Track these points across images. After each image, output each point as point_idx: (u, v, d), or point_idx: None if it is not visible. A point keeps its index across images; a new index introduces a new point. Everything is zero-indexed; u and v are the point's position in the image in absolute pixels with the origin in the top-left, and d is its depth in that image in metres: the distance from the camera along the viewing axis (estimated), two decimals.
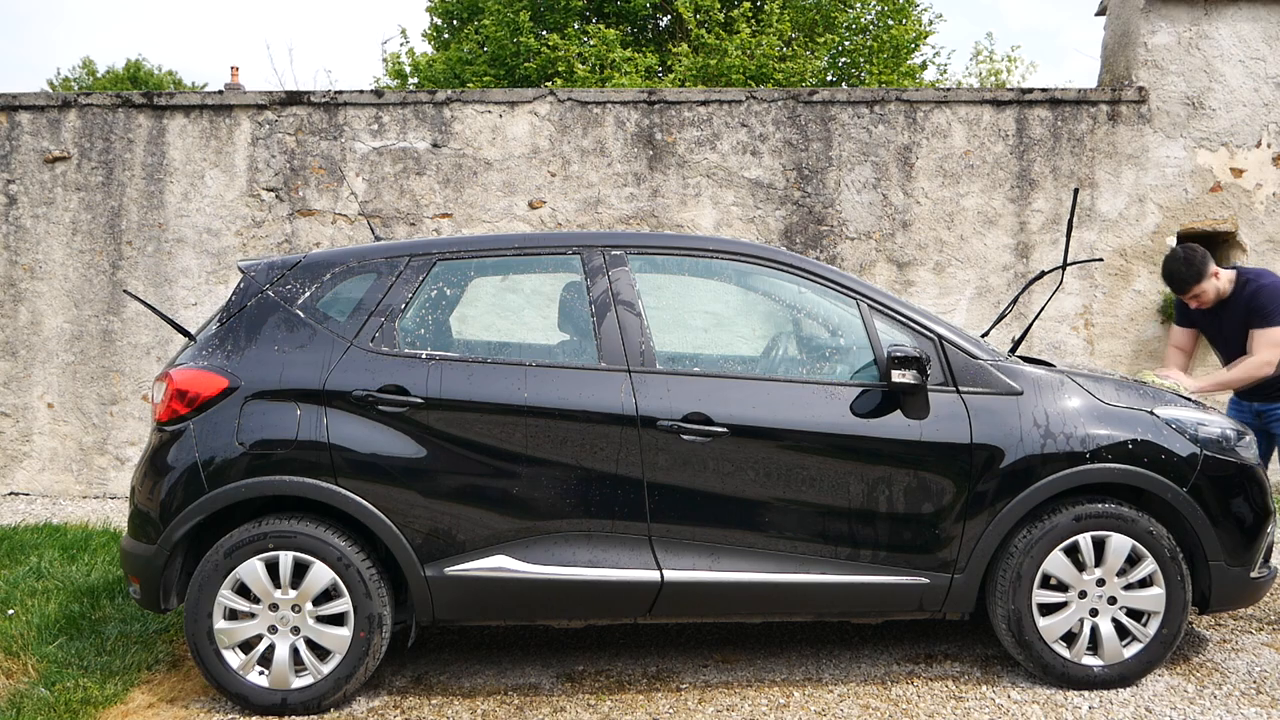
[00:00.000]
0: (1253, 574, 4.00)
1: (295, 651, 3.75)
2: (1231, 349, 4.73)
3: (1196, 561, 3.94)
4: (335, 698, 3.76)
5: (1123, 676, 3.88)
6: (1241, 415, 4.77)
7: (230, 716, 3.76)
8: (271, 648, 3.75)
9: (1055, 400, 3.91)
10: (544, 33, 15.70)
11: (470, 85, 15.51)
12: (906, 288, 7.41)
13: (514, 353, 4.41)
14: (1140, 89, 7.31)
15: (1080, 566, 3.88)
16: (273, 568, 3.73)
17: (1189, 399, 4.18)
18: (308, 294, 3.97)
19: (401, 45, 20.02)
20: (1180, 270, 4.66)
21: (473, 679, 4.09)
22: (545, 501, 3.77)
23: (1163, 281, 4.76)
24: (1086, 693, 3.86)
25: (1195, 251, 4.65)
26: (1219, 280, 4.66)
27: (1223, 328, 4.76)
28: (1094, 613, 3.89)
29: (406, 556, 3.74)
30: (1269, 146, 7.32)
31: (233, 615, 3.75)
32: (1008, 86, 21.16)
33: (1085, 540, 3.86)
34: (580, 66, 14.27)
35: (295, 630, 3.75)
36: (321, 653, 3.76)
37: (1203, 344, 5.09)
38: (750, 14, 15.11)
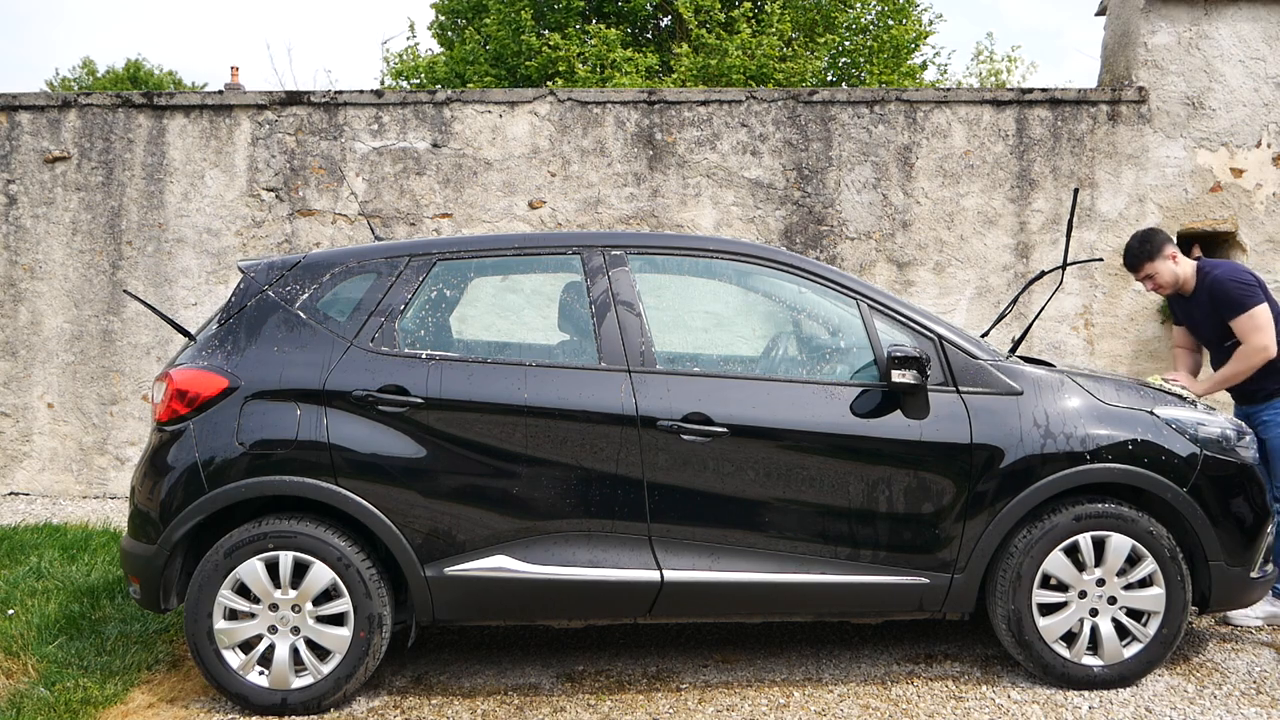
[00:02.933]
0: (1253, 574, 4.00)
1: (295, 651, 3.75)
2: (1205, 341, 4.75)
3: (1196, 561, 3.94)
4: (335, 698, 3.76)
5: (1123, 676, 3.89)
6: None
7: (230, 716, 3.76)
8: (271, 648, 3.75)
9: (1055, 400, 3.91)
10: (545, 32, 15.71)
11: (472, 85, 15.51)
12: (906, 288, 7.40)
13: (514, 353, 4.41)
14: (1140, 89, 7.31)
15: (1080, 566, 3.88)
16: (273, 568, 3.73)
17: (1193, 401, 4.17)
18: (308, 294, 3.97)
19: (409, 40, 20.01)
20: (1133, 246, 4.66)
21: (473, 679, 4.09)
22: (545, 501, 3.77)
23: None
24: (1086, 693, 3.86)
25: (1155, 233, 4.64)
26: (1178, 266, 4.61)
27: (1193, 321, 4.77)
28: (1094, 613, 3.89)
29: (406, 557, 3.74)
30: (1269, 146, 7.32)
31: (233, 615, 3.75)
32: (1008, 86, 21.16)
33: (1085, 540, 3.86)
34: (581, 66, 14.27)
35: (295, 630, 3.75)
36: (321, 653, 3.76)
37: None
38: (750, 14, 15.10)
